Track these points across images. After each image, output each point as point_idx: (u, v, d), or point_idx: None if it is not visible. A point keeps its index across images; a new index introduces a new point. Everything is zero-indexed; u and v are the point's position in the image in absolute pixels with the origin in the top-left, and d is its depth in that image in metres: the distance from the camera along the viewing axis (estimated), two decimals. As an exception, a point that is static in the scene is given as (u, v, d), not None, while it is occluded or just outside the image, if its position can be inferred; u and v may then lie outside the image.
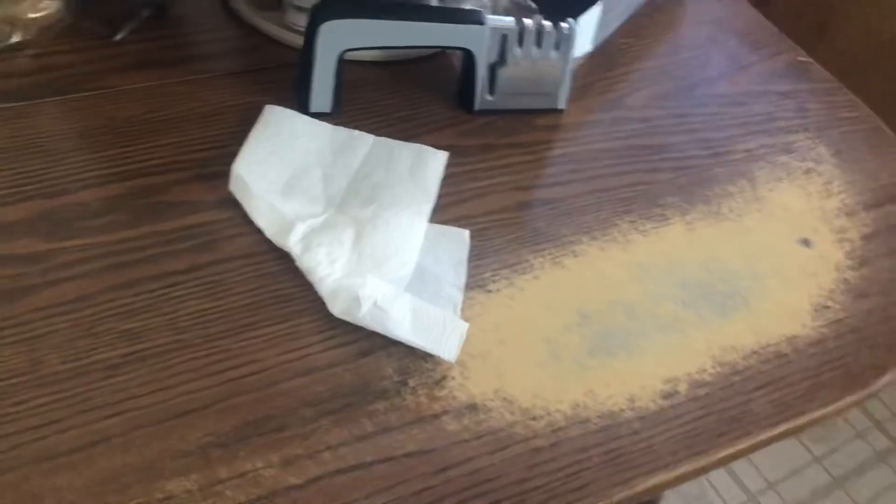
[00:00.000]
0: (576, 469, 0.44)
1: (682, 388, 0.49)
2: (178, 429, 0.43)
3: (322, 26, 0.56)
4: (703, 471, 0.46)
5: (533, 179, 0.60)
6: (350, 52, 0.59)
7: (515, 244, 0.55)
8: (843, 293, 0.56)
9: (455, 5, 0.65)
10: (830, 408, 0.49)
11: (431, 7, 0.63)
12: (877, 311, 0.55)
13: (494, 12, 0.65)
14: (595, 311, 0.52)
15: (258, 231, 0.52)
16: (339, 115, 0.60)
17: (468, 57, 0.61)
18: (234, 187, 0.54)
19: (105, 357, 0.45)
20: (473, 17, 0.59)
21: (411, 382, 0.46)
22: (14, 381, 0.43)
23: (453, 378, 0.47)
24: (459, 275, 0.51)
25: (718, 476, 1.36)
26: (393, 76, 0.65)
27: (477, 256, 0.53)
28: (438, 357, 0.47)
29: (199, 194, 0.54)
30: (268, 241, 0.51)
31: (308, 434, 0.43)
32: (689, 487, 1.33)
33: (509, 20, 0.60)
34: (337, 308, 0.48)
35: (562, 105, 0.64)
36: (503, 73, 0.61)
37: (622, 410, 0.47)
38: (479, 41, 0.59)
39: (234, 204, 0.53)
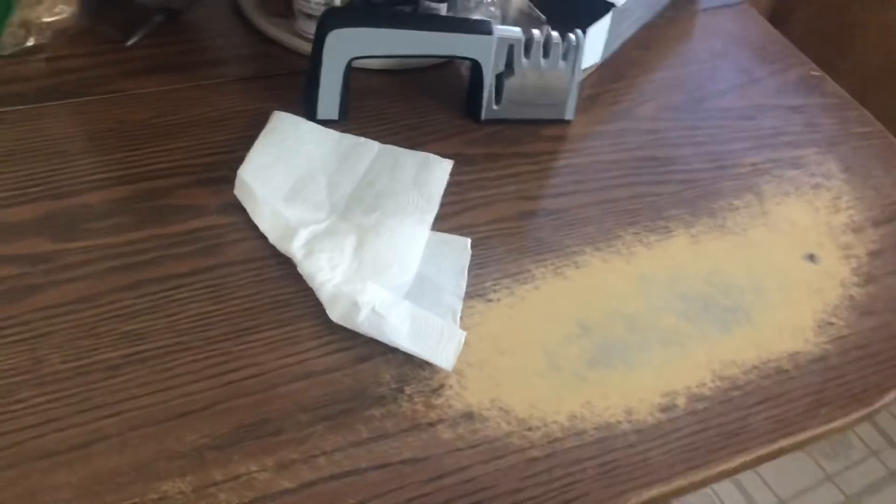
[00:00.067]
0: (570, 481, 0.44)
1: (681, 401, 0.48)
2: (176, 430, 0.43)
3: (330, 34, 0.57)
4: (699, 485, 0.45)
5: (538, 189, 0.60)
6: (358, 60, 0.59)
7: (517, 254, 0.55)
8: (848, 310, 0.55)
9: (464, 15, 0.65)
10: (831, 425, 0.49)
11: (439, 17, 0.63)
12: (882, 328, 0.54)
13: (504, 22, 0.66)
14: (595, 322, 0.51)
15: (260, 236, 0.52)
16: (346, 122, 0.61)
17: (475, 66, 0.61)
18: (240, 192, 0.54)
19: (106, 357, 0.45)
20: (481, 28, 0.59)
21: (408, 390, 0.46)
22: (15, 379, 0.44)
23: (450, 386, 0.47)
24: (460, 283, 0.52)
25: (729, 493, 1.34)
26: (401, 84, 0.66)
27: (478, 265, 0.53)
28: (436, 365, 0.47)
29: (204, 198, 0.54)
30: (269, 246, 0.52)
31: (304, 438, 0.44)
32: (699, 502, 1.32)
33: (517, 31, 0.60)
34: (336, 313, 0.48)
35: (569, 116, 0.64)
36: (510, 83, 0.61)
37: (619, 423, 0.47)
38: (486, 51, 0.60)
39: (237, 209, 0.54)
